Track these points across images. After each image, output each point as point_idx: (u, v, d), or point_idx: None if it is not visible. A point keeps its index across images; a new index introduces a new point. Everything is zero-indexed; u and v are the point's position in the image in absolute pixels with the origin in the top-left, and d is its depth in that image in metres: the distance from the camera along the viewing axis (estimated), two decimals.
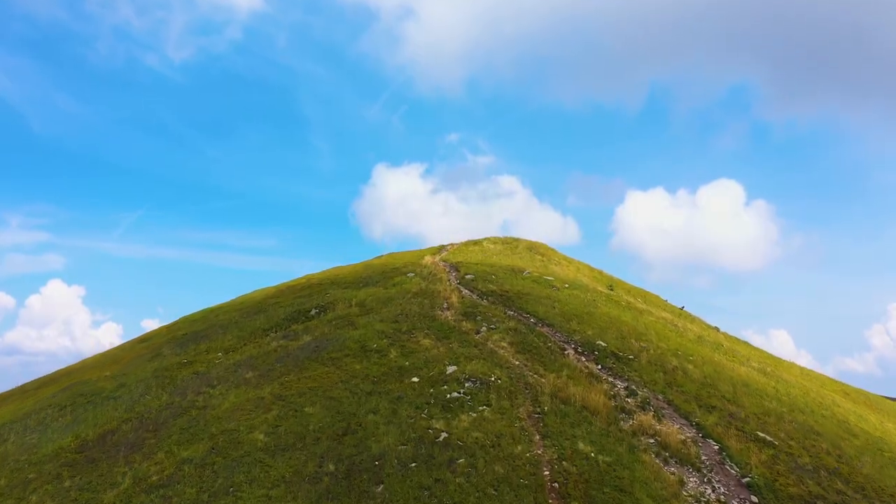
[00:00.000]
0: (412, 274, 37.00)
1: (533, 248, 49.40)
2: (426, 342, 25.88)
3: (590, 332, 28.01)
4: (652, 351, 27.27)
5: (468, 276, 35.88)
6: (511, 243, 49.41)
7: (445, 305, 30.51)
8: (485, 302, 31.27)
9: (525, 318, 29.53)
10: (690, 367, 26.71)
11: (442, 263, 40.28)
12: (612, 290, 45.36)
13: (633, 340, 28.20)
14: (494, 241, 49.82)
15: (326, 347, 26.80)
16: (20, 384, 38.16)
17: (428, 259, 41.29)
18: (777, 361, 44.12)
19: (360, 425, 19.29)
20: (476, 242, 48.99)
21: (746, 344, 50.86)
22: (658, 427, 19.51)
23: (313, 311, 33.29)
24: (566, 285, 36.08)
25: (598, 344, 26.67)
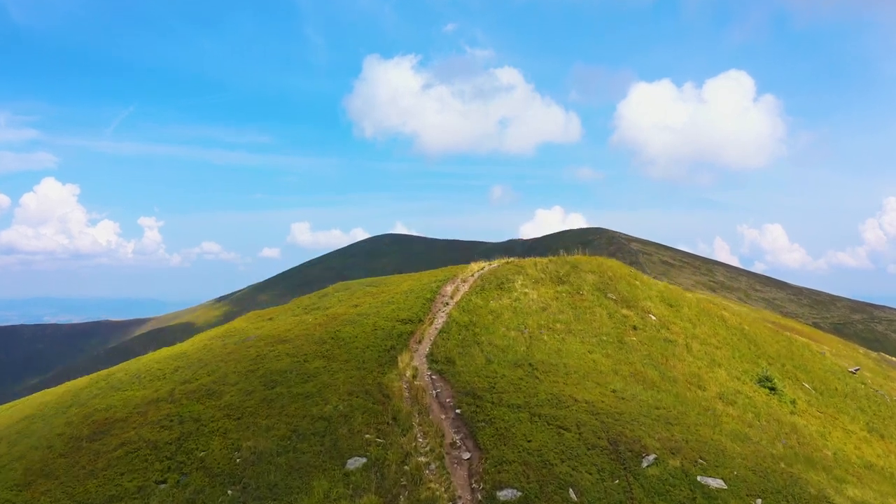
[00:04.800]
0: (373, 442, 15.06)
1: (607, 286, 26.68)
2: None
3: None
4: None
5: (504, 495, 13.93)
6: (568, 279, 26.52)
7: None
8: None
9: None
10: None
11: (437, 392, 18.07)
12: (773, 389, 23.73)
13: None
14: (540, 269, 26.88)
15: None
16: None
17: (407, 363, 19.09)
18: None
19: None
20: (505, 281, 26.01)
21: None
22: None
23: None
24: None
25: None
